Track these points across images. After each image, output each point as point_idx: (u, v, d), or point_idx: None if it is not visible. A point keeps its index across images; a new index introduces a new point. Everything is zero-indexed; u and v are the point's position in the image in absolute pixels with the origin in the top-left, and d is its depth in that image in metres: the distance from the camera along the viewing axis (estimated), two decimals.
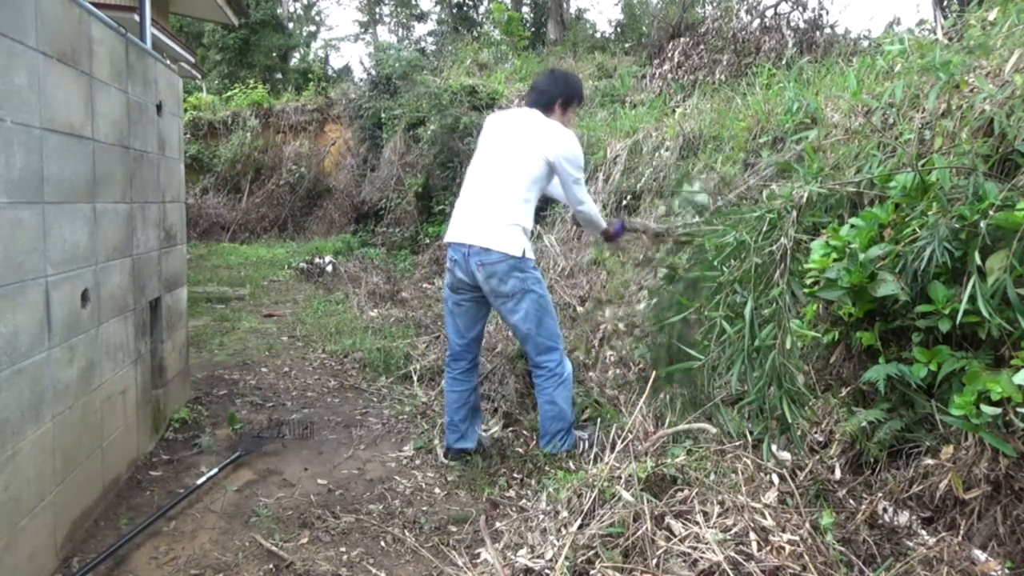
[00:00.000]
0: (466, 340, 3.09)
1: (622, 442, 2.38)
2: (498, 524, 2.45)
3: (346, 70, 22.10)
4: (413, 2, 26.18)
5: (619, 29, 17.56)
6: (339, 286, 7.46)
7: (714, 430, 2.49)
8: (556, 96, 3.02)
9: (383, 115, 10.51)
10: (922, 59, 2.90)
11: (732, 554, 1.76)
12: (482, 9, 20.49)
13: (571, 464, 2.85)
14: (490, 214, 2.85)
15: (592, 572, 1.82)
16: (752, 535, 1.85)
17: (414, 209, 9.38)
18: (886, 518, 2.09)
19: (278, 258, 9.61)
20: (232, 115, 13.32)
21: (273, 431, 3.44)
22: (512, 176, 2.87)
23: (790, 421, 2.10)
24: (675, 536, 1.89)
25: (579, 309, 4.69)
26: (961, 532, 1.98)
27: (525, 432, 3.39)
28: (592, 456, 2.70)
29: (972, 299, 1.87)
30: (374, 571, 2.24)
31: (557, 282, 5.21)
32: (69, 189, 2.31)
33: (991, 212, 1.93)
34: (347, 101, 12.42)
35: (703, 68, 6.94)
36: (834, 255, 2.36)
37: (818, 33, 6.76)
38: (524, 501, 2.64)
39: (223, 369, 4.55)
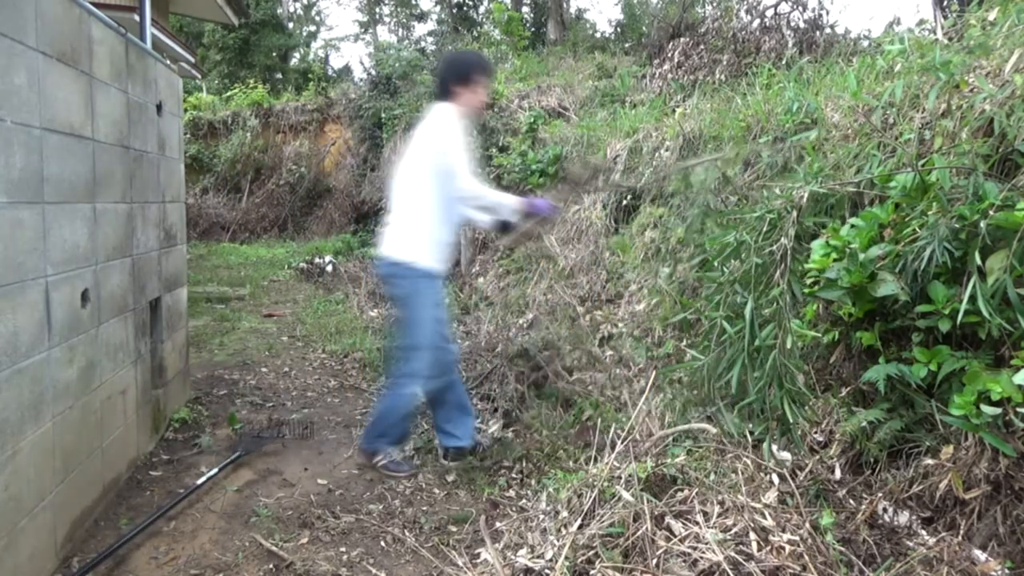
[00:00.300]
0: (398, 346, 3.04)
1: (622, 442, 2.38)
2: (498, 524, 2.45)
3: (346, 70, 22.10)
4: (413, 2, 26.18)
5: (619, 29, 17.55)
6: (339, 286, 7.46)
7: (714, 430, 2.49)
8: (449, 79, 2.97)
9: (383, 115, 10.51)
10: (922, 59, 2.89)
11: (732, 554, 1.76)
12: (482, 9, 20.49)
13: (571, 464, 2.85)
14: (392, 223, 2.93)
15: (592, 572, 1.82)
16: (752, 535, 1.85)
17: None
18: (886, 518, 2.09)
19: (278, 258, 9.61)
20: (232, 115, 13.32)
21: (273, 431, 3.44)
22: (407, 181, 2.91)
23: (791, 421, 2.10)
24: (675, 536, 1.89)
25: (579, 309, 4.69)
26: (961, 532, 1.98)
27: (525, 432, 3.39)
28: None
29: (972, 299, 1.87)
30: (374, 571, 2.24)
31: (557, 282, 5.21)
32: (69, 189, 2.31)
33: (991, 212, 1.93)
34: (347, 101, 12.41)
35: (703, 68, 6.94)
36: (834, 255, 2.36)
37: (818, 33, 6.76)
38: (524, 501, 2.64)
39: (223, 369, 4.54)
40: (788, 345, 1.99)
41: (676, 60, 7.31)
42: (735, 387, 2.02)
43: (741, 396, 2.05)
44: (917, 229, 2.16)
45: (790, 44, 6.50)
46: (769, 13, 7.08)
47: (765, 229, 2.16)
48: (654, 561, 1.80)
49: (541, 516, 2.26)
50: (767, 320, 2.07)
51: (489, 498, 2.72)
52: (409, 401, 2.93)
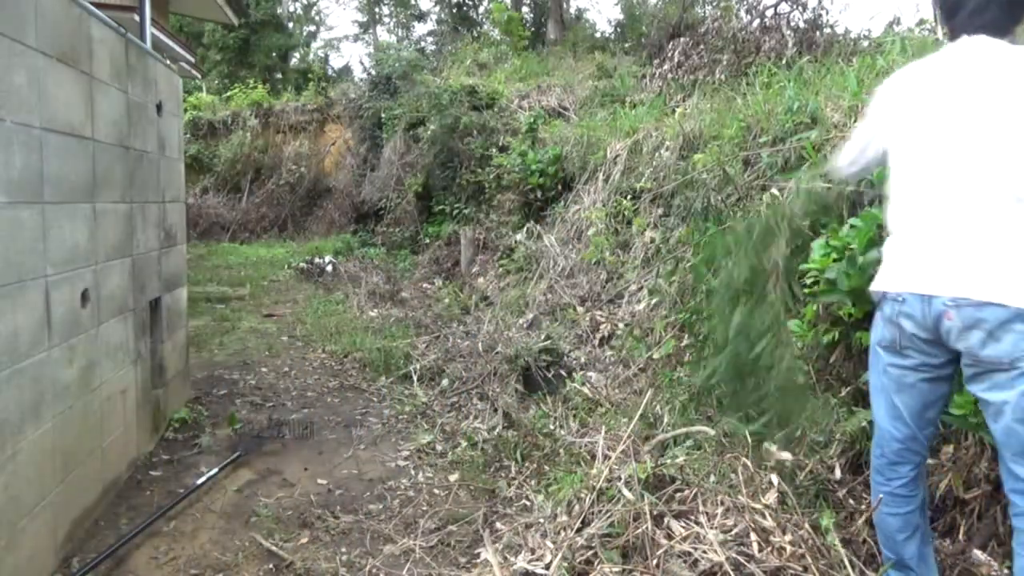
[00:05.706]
0: (912, 430, 1.76)
1: (622, 443, 2.38)
2: (498, 524, 2.45)
3: (346, 70, 22.07)
4: (413, 2, 26.15)
5: (619, 29, 17.55)
6: (339, 286, 7.46)
7: (712, 432, 2.49)
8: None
9: (383, 115, 10.51)
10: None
11: (733, 554, 1.76)
12: (482, 9, 20.48)
13: (571, 464, 2.84)
14: (967, 230, 1.59)
15: (592, 573, 1.82)
16: (753, 536, 1.85)
17: (414, 209, 9.39)
18: None
19: (278, 258, 9.61)
20: (232, 115, 13.32)
21: (273, 431, 3.44)
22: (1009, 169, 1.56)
23: (789, 423, 2.10)
24: (675, 536, 1.89)
25: (579, 309, 4.69)
26: (961, 532, 1.98)
27: (526, 432, 3.39)
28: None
29: None
30: (374, 571, 2.24)
31: (557, 282, 5.21)
32: (69, 189, 2.31)
33: None
34: (347, 101, 12.41)
35: (703, 68, 6.93)
36: (834, 255, 2.36)
37: (818, 33, 6.75)
38: (524, 501, 2.64)
39: (223, 369, 4.54)
40: (786, 358, 1.99)
41: (676, 60, 7.30)
42: (734, 387, 2.01)
43: (737, 396, 2.05)
44: None
45: (790, 44, 6.49)
46: (769, 13, 7.08)
47: (760, 231, 2.16)
48: (654, 561, 1.79)
49: (541, 517, 2.26)
50: (761, 328, 2.06)
51: (489, 498, 2.72)
52: None
